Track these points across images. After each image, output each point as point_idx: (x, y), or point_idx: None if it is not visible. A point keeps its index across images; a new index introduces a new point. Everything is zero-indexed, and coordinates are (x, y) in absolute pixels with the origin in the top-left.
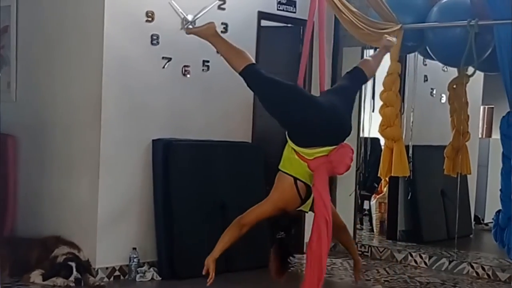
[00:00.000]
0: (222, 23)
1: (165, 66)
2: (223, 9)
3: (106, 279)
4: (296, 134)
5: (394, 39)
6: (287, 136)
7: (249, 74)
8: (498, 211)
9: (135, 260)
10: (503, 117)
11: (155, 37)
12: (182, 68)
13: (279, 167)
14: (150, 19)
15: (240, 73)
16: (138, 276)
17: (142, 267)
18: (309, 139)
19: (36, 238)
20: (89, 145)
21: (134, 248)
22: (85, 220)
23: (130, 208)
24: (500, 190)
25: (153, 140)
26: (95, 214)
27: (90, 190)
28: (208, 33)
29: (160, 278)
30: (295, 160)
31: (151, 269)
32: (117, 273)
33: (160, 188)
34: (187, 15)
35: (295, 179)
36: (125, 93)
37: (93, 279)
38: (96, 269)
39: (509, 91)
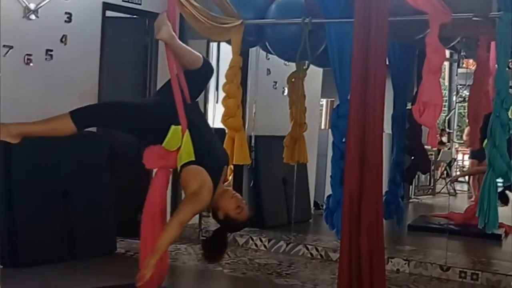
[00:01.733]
0: (65, 13)
1: (6, 55)
2: None
3: None
4: None
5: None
6: None
7: None
8: (329, 196)
9: None
10: (334, 109)
11: None
12: (24, 57)
13: None
14: None
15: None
16: None
17: None
18: None
19: None
20: None
21: None
22: None
23: None
24: (331, 176)
25: None
26: None
27: None
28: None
29: (1, 267)
30: None
31: None
32: None
33: (1, 178)
34: (29, 3)
35: None
36: None
37: None
38: None
39: (339, 85)
